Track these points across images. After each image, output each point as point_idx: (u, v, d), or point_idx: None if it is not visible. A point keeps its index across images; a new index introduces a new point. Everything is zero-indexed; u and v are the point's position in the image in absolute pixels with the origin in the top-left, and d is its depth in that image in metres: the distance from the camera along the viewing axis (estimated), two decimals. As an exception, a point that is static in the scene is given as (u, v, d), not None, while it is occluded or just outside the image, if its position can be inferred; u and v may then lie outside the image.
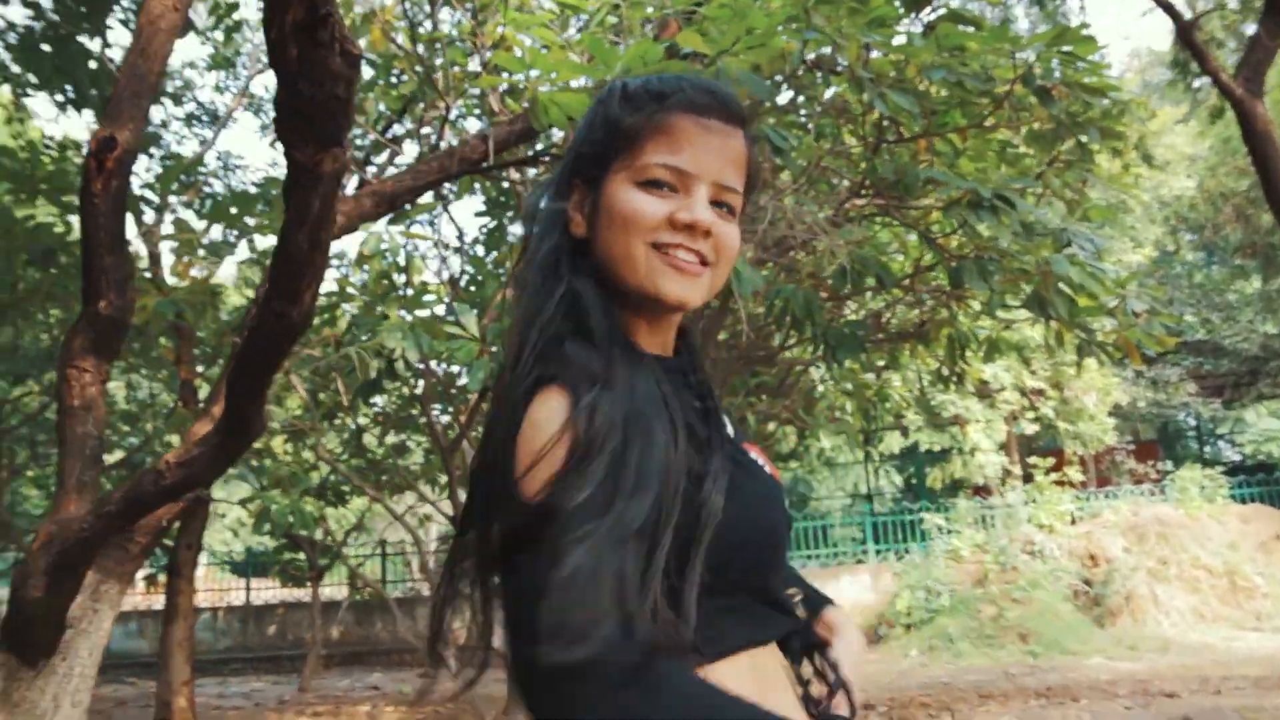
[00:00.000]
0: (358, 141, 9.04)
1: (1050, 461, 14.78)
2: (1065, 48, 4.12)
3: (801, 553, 16.53)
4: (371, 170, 9.63)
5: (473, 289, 7.50)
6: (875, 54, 4.47)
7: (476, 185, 7.73)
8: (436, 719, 9.39)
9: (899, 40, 4.34)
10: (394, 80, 7.75)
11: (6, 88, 8.26)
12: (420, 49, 6.73)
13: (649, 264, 1.13)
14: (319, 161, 1.98)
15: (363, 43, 6.70)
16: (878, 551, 16.08)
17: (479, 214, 8.04)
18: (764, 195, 5.89)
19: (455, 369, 7.41)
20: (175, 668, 10.13)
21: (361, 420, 10.68)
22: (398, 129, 8.86)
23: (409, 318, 5.74)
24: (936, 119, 4.82)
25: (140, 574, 15.85)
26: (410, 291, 6.46)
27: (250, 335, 2.64)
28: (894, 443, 17.91)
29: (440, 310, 6.64)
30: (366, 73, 7.61)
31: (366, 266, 6.26)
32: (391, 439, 11.36)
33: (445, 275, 8.09)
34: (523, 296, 1.15)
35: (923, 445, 17.07)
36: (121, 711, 11.77)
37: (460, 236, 13.62)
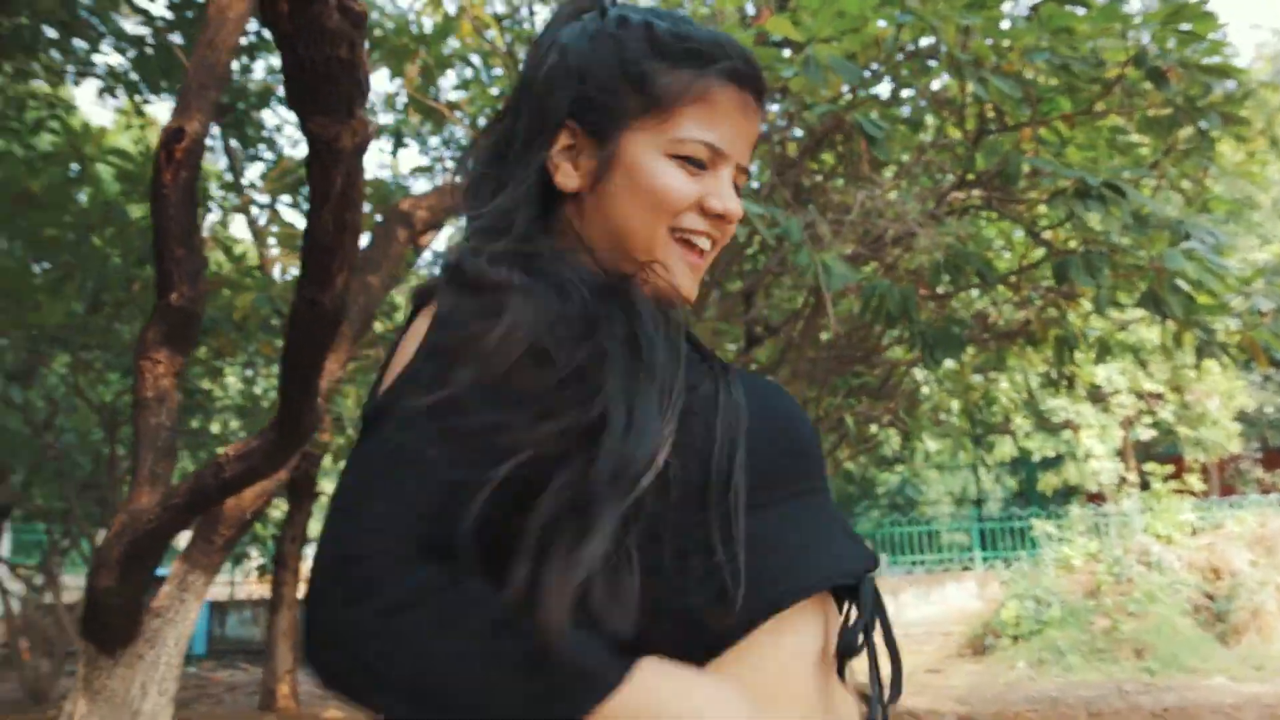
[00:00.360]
0: (463, 141, 9.06)
1: (1169, 469, 14.13)
2: (1182, 26, 3.83)
3: (907, 557, 16.20)
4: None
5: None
6: (975, 38, 4.25)
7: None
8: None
9: (1001, 24, 4.12)
10: (489, 78, 7.72)
11: (123, 94, 8.47)
12: (512, 44, 6.68)
13: (666, 251, 0.99)
14: (336, 135, 1.87)
15: (453, 41, 6.67)
16: (985, 558, 15.64)
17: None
18: (862, 189, 5.68)
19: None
20: (279, 656, 10.42)
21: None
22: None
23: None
24: (1041, 106, 4.56)
25: (253, 564, 16.34)
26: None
27: (289, 327, 2.57)
28: (1005, 448, 17.39)
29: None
30: (466, 73, 7.60)
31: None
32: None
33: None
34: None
35: (1034, 450, 16.54)
36: (232, 696, 12.08)
37: None
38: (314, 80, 1.66)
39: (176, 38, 6.96)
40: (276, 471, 3.46)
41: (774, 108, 5.47)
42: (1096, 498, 15.38)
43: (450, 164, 8.99)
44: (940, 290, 5.73)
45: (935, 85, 5.48)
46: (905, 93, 5.78)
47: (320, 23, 1.57)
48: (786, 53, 4.47)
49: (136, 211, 7.67)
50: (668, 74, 0.98)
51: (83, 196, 7.57)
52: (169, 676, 4.63)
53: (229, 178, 9.51)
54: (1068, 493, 16.27)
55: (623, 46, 1.00)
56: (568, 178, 1.00)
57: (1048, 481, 16.62)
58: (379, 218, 5.82)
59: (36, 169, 7.40)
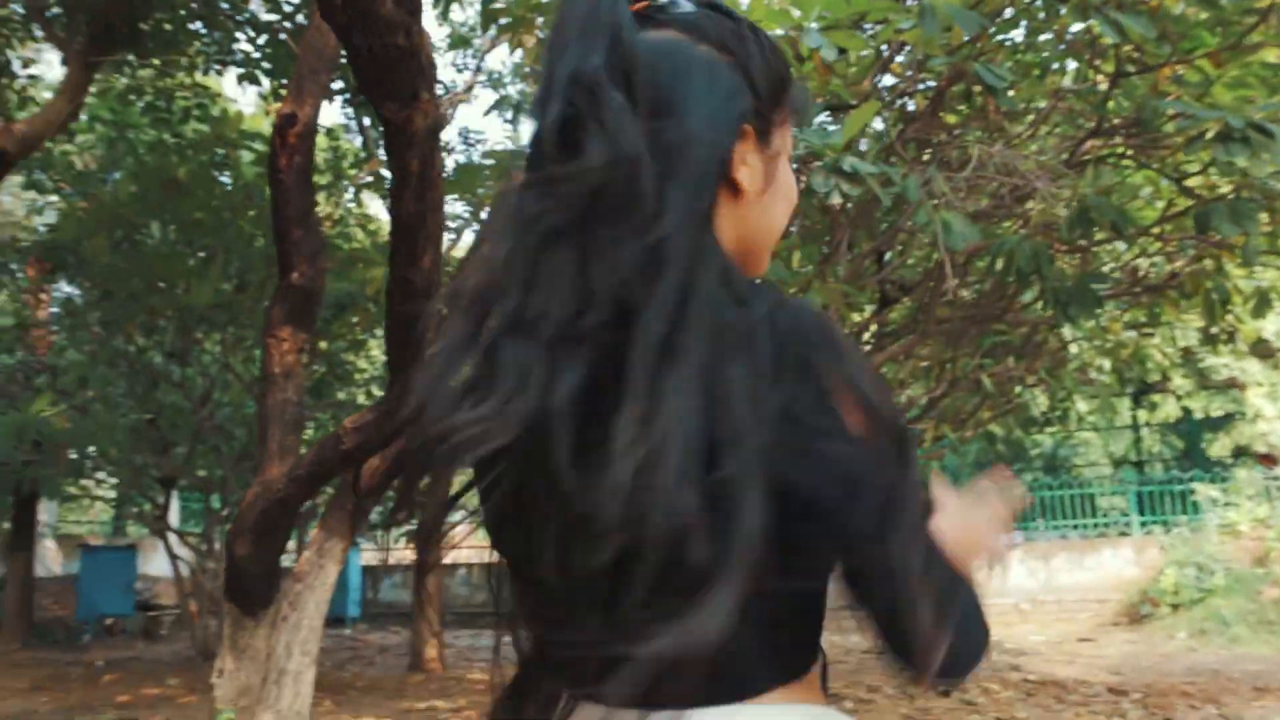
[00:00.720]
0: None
1: (1347, 429, 13.26)
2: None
3: (1061, 522, 15.65)
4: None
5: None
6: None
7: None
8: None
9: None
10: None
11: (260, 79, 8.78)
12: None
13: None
14: (408, 119, 1.87)
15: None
16: (1143, 523, 14.97)
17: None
18: (989, 143, 5.44)
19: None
20: (427, 619, 10.80)
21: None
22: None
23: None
24: (1182, 44, 4.27)
25: (404, 530, 16.97)
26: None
27: (386, 304, 2.61)
28: (1169, 408, 16.59)
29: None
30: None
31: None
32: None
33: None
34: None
35: (1198, 410, 15.72)
36: (383, 658, 12.57)
37: None
38: (377, 67, 1.68)
39: (302, 19, 7.17)
40: (391, 443, 3.54)
41: (899, 58, 5.29)
42: (1267, 460, 14.55)
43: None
44: (1077, 244, 5.46)
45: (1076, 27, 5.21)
46: (1043, 37, 5.51)
47: (375, 11, 1.57)
48: (910, 1, 4.32)
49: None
50: (791, 84, 0.98)
51: (226, 180, 7.91)
52: (311, 638, 4.83)
53: (364, 155, 9.77)
54: (1240, 455, 15.42)
55: (768, 53, 0.95)
56: (750, 179, 0.92)
57: (1214, 443, 15.80)
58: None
59: (185, 157, 7.76)
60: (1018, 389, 9.43)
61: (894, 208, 6.47)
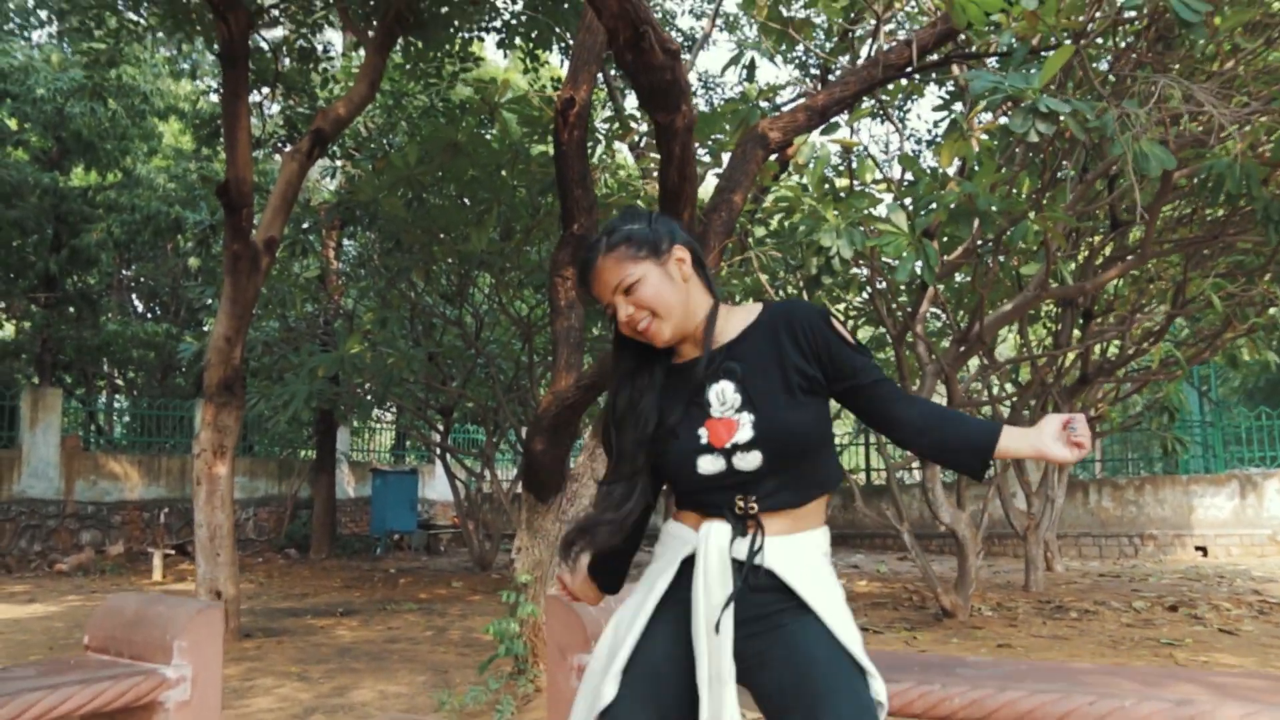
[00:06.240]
0: (809, 62, 9.58)
1: None
2: None
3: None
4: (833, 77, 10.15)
5: (906, 186, 7.80)
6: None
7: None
8: (904, 593, 10.03)
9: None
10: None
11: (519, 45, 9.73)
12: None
13: None
14: (671, 121, 2.63)
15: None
16: None
17: (936, 108, 8.21)
18: (1189, 81, 5.67)
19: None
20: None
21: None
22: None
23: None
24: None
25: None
26: (853, 193, 6.93)
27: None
28: None
29: (881, 211, 7.06)
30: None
31: (804, 173, 6.82)
32: (865, 332, 12.03)
33: (878, 176, 8.42)
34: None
35: None
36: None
37: (901, 137, 13.68)
38: (652, 92, 2.43)
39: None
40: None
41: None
42: None
43: (803, 84, 9.57)
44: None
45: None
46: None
47: (649, 59, 2.33)
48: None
49: (535, 149, 8.94)
50: None
51: (492, 136, 8.93)
52: (585, 527, 5.79)
53: (613, 110, 10.64)
54: None
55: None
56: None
57: None
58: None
59: (457, 121, 8.84)
60: (1272, 310, 9.33)
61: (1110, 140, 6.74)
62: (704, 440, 1.75)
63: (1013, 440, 1.72)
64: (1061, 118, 4.39)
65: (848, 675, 1.64)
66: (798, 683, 1.63)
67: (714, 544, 1.72)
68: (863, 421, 1.86)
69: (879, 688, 1.67)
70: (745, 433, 1.72)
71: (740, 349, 1.80)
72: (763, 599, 1.71)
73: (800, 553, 1.74)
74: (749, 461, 1.72)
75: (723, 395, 1.76)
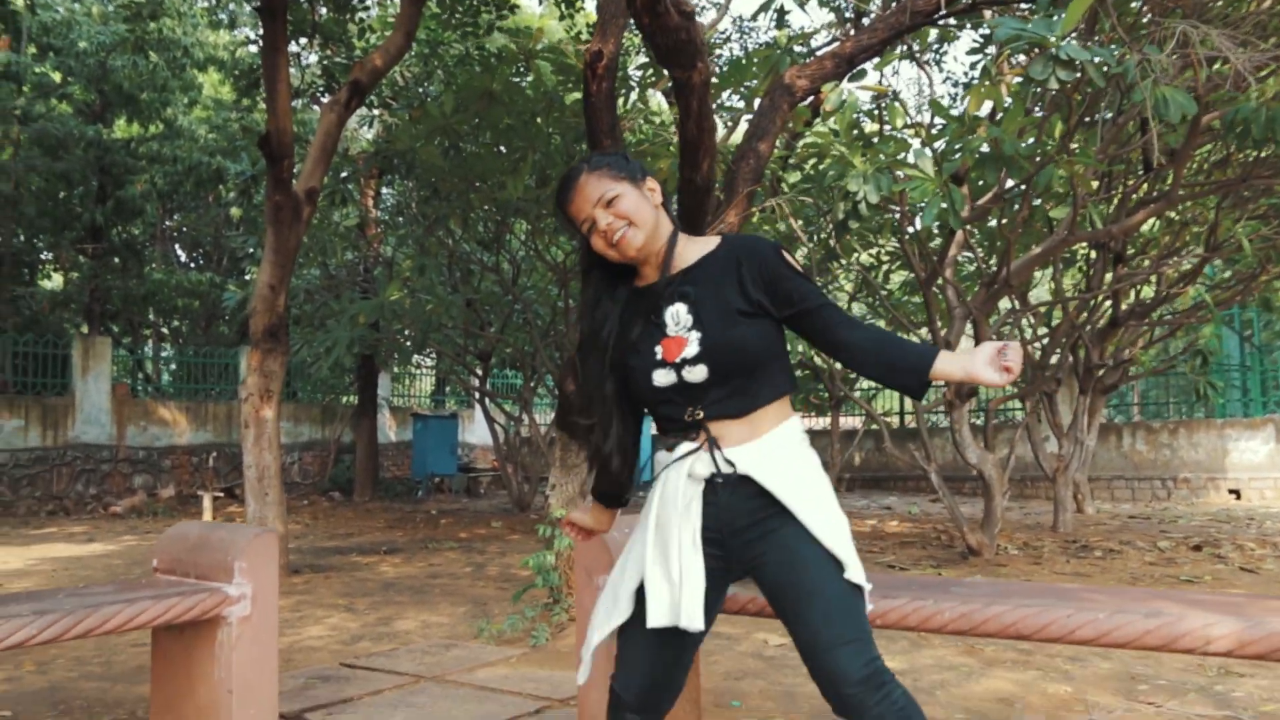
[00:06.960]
0: (842, 6, 9.59)
1: None
2: None
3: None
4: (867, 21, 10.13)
5: (934, 131, 7.83)
6: None
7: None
8: (933, 533, 10.21)
9: None
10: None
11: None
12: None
13: None
14: (689, 77, 2.78)
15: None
16: None
17: (970, 52, 8.20)
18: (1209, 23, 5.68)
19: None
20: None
21: (866, 259, 11.51)
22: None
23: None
24: None
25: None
26: (882, 138, 7.00)
27: (679, 196, 3.53)
28: None
29: (911, 157, 7.12)
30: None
31: (834, 120, 6.90)
32: (899, 276, 12.08)
33: (908, 122, 8.43)
34: None
35: None
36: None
37: (932, 82, 13.56)
38: (669, 52, 2.58)
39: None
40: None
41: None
42: None
43: (834, 30, 9.57)
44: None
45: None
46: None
47: (665, 21, 2.48)
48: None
49: (570, 98, 9.05)
50: None
51: (526, 85, 9.05)
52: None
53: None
54: None
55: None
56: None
57: None
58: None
59: (493, 70, 8.95)
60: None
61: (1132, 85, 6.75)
62: (659, 356, 1.96)
63: (947, 363, 1.85)
64: (1079, 63, 4.47)
65: (831, 571, 1.84)
66: (788, 581, 1.85)
67: (675, 459, 1.96)
68: (813, 345, 2.05)
69: (856, 575, 1.86)
70: (693, 348, 1.92)
71: (696, 274, 1.99)
72: (751, 505, 1.91)
73: (768, 455, 1.92)
74: (696, 374, 1.91)
75: (677, 315, 1.97)
